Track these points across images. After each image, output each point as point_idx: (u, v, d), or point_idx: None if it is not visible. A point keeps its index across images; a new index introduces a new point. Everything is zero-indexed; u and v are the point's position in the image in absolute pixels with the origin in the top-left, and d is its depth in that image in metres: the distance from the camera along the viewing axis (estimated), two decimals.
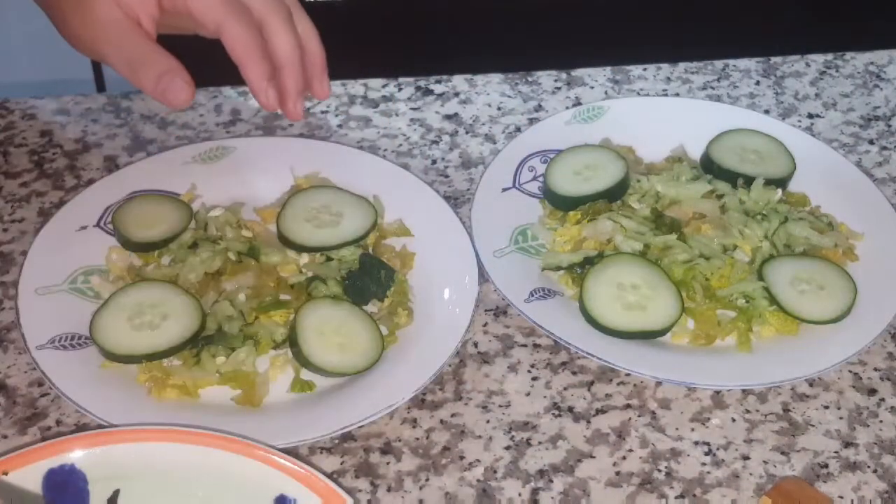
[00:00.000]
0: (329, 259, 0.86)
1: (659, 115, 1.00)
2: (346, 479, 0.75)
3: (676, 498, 0.75)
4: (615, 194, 0.91)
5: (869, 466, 0.77)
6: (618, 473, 0.76)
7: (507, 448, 0.78)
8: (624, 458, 0.77)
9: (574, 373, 0.83)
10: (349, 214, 0.88)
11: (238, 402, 0.79)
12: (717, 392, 0.82)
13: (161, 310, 0.80)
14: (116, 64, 0.83)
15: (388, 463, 0.76)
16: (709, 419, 0.80)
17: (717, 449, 0.78)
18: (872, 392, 0.82)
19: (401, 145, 1.00)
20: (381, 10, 1.38)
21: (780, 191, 0.92)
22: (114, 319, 0.80)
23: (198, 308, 0.81)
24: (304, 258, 0.86)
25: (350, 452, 0.77)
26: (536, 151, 0.96)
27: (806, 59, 1.12)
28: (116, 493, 0.65)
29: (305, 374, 0.80)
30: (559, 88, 1.07)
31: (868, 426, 0.80)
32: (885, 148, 1.02)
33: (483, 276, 0.85)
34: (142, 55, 0.82)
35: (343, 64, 1.27)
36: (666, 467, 0.77)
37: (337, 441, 0.77)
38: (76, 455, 0.64)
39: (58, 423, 0.78)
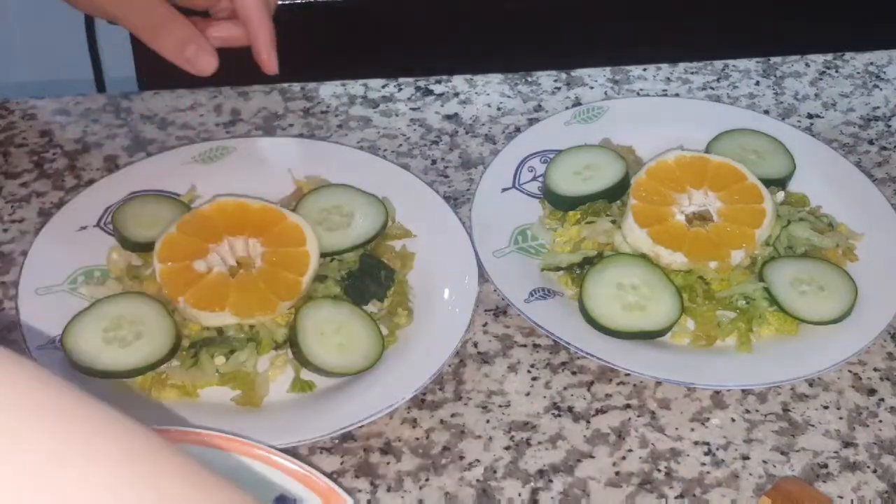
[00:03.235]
0: (330, 259, 0.86)
1: (659, 115, 1.00)
2: (346, 479, 0.75)
3: (676, 498, 0.75)
4: (615, 194, 0.91)
5: (868, 466, 0.77)
6: (617, 473, 0.76)
7: (507, 448, 0.78)
8: (623, 458, 0.77)
9: (574, 373, 0.83)
10: (360, 215, 0.88)
11: (238, 403, 0.79)
12: (717, 392, 0.82)
13: (138, 328, 0.79)
14: (135, 26, 0.85)
15: (388, 463, 0.76)
16: (708, 419, 0.80)
17: (717, 449, 0.78)
18: (872, 392, 0.82)
19: (401, 145, 1.00)
20: (381, 11, 1.38)
21: (782, 193, 0.92)
22: (88, 328, 0.79)
23: (173, 335, 0.79)
24: None
25: (350, 452, 0.77)
26: (536, 152, 0.96)
27: (805, 59, 1.12)
28: None
29: (305, 374, 0.80)
30: (559, 88, 1.07)
31: (868, 426, 0.80)
32: (884, 148, 1.02)
33: (483, 276, 0.85)
34: (163, 19, 0.84)
35: (343, 64, 1.27)
36: (665, 467, 0.77)
37: (337, 441, 0.77)
38: None
39: None
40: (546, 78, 1.08)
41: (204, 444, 0.65)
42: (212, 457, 0.65)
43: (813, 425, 0.80)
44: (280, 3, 1.35)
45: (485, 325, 0.86)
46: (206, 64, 0.85)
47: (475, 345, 0.84)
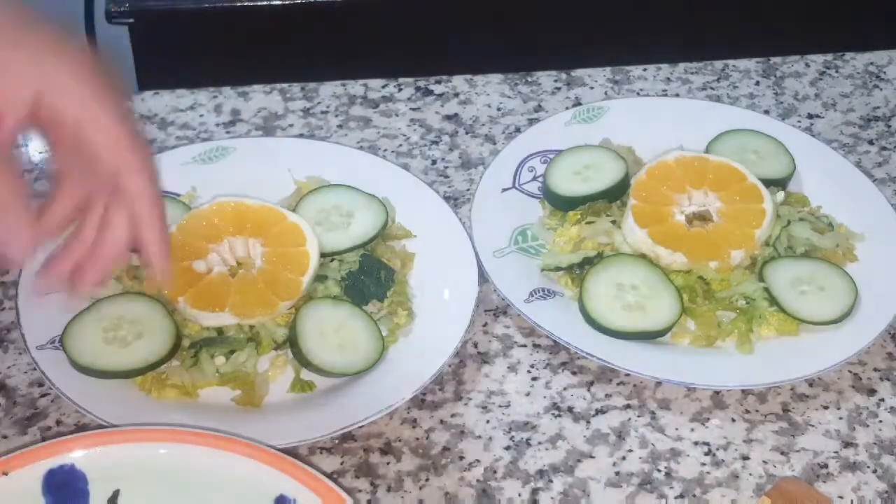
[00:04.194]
0: (330, 259, 0.86)
1: (659, 115, 1.00)
2: (346, 479, 0.75)
3: (676, 498, 0.75)
4: (615, 194, 0.91)
5: (868, 466, 0.77)
6: (617, 473, 0.76)
7: (507, 448, 0.78)
8: (623, 458, 0.77)
9: (574, 373, 0.83)
10: (360, 215, 0.88)
11: (238, 403, 0.79)
12: (717, 392, 0.82)
13: (138, 328, 0.79)
14: None
15: (388, 463, 0.76)
16: (708, 419, 0.80)
17: (717, 449, 0.78)
18: (872, 392, 0.82)
19: (401, 146, 1.00)
20: (381, 11, 1.38)
21: (782, 193, 0.92)
22: (88, 328, 0.79)
23: (173, 335, 0.79)
24: None
25: (350, 452, 0.77)
26: (536, 152, 0.96)
27: (805, 59, 1.12)
28: (116, 494, 0.65)
29: (305, 374, 0.80)
30: (559, 89, 1.07)
31: (868, 426, 0.80)
32: (884, 148, 1.02)
33: (483, 276, 0.85)
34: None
35: (343, 64, 1.27)
36: (665, 467, 0.77)
37: (337, 441, 0.77)
38: (76, 455, 0.64)
39: (58, 423, 0.78)
40: (546, 78, 1.08)
41: (204, 444, 0.65)
42: (212, 457, 0.65)
43: (813, 425, 0.80)
44: (280, 3, 1.35)
45: (485, 325, 0.86)
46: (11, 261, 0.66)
47: (475, 345, 0.84)
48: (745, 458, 0.78)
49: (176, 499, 0.65)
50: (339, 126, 1.02)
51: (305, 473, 0.64)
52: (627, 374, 0.82)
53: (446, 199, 0.92)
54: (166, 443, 0.65)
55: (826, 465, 0.77)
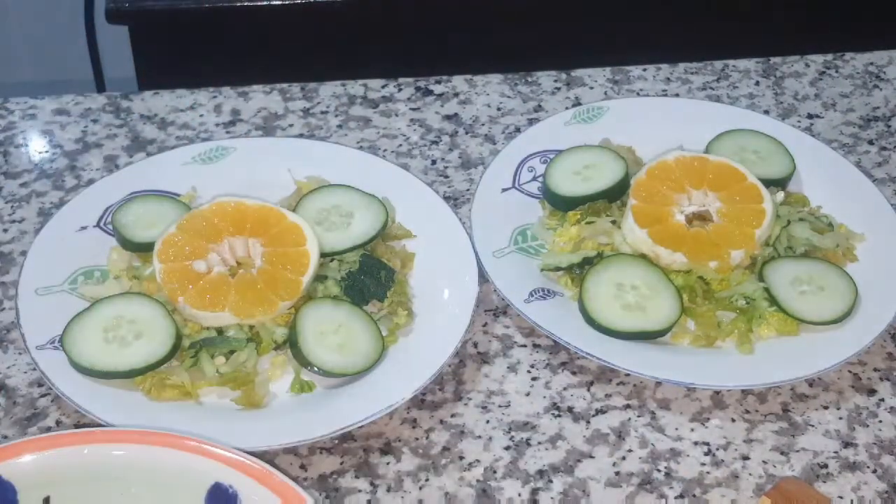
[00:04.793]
0: (330, 259, 0.86)
1: (659, 115, 1.00)
2: (346, 478, 0.75)
3: (676, 498, 0.75)
4: (615, 194, 0.91)
5: (868, 466, 0.77)
6: (617, 473, 0.76)
7: (507, 448, 0.78)
8: (623, 458, 0.77)
9: (574, 373, 0.83)
10: (359, 215, 0.88)
11: (238, 403, 0.79)
12: (717, 392, 0.82)
13: (137, 327, 0.79)
14: None
15: (387, 463, 0.76)
16: (708, 419, 0.80)
17: (717, 449, 0.78)
18: (872, 392, 0.82)
19: (400, 146, 1.00)
20: (381, 11, 1.38)
21: (782, 193, 0.92)
22: (88, 328, 0.79)
23: (173, 335, 0.79)
24: None
25: (350, 452, 0.77)
26: (536, 152, 0.96)
27: (805, 59, 1.12)
28: (47, 501, 0.64)
29: (305, 374, 0.80)
30: (559, 89, 1.07)
31: (867, 426, 0.80)
32: (884, 148, 1.02)
33: (483, 276, 0.85)
34: None
35: (343, 64, 1.27)
36: (665, 467, 0.77)
37: (337, 441, 0.77)
38: (2, 467, 0.63)
39: (58, 423, 0.78)
40: (546, 78, 1.08)
41: (131, 442, 0.64)
42: (137, 453, 0.64)
43: (813, 425, 0.80)
44: (280, 3, 1.35)
45: (485, 325, 0.86)
46: None
47: (475, 345, 0.84)
48: (745, 458, 0.78)
49: (107, 498, 0.64)
50: (339, 126, 1.02)
51: (264, 471, 0.63)
52: (627, 374, 0.82)
53: (446, 199, 0.92)
54: (88, 444, 0.64)
55: (826, 465, 0.77)
